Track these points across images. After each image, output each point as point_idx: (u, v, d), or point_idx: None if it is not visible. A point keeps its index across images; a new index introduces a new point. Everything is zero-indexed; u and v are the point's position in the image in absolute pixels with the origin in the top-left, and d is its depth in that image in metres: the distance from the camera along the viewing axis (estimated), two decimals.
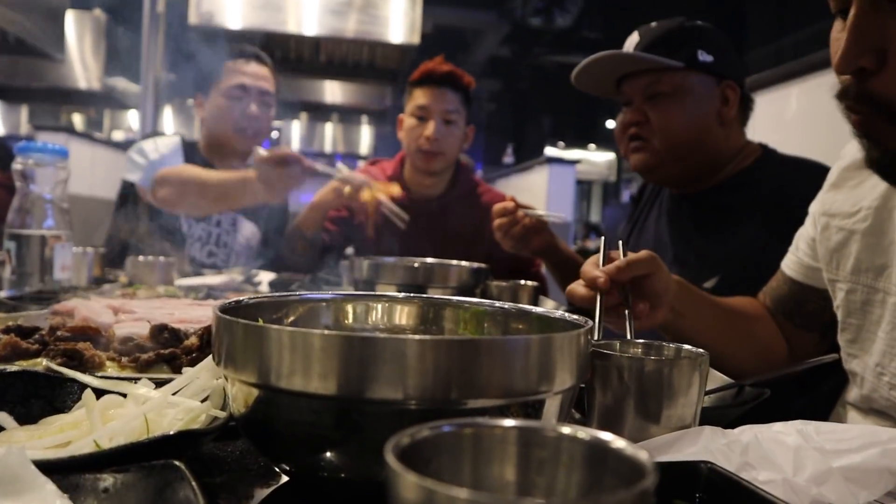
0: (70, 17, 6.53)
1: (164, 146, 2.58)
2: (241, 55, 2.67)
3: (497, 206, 1.96)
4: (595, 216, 13.87)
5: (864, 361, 1.16)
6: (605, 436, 0.37)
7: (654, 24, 1.80)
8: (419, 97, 2.53)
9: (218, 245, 2.58)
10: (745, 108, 1.83)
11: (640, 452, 0.35)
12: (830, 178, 1.27)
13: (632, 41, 1.79)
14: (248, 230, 2.65)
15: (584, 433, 0.38)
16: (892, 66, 0.89)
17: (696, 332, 1.27)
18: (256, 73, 2.65)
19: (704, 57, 1.73)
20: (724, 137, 1.78)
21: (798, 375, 1.36)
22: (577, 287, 1.11)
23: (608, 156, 13.40)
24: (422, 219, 2.55)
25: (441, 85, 2.52)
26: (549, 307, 1.25)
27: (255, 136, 2.64)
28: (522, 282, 1.64)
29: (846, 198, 1.20)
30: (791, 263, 1.38)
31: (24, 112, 8.99)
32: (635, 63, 1.75)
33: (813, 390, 1.51)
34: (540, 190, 6.11)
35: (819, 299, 1.31)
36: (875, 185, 1.15)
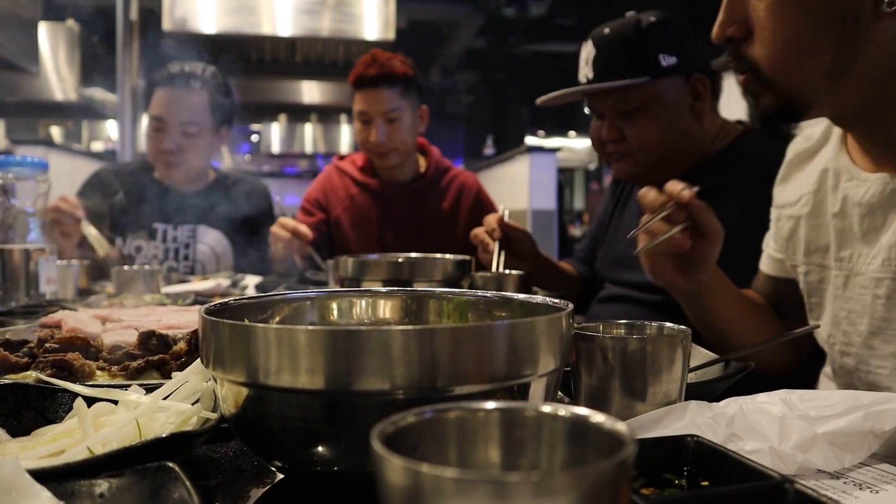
0: (43, 29, 6.47)
1: None
2: (168, 79, 2.55)
3: (489, 217, 1.86)
4: (578, 203, 13.88)
5: (821, 335, 1.23)
6: (584, 412, 0.38)
7: (606, 30, 1.74)
8: (358, 102, 2.52)
9: (177, 259, 2.59)
10: (716, 89, 1.82)
11: (619, 425, 0.36)
12: (780, 174, 1.35)
13: (589, 53, 1.75)
14: (213, 238, 2.64)
15: (564, 411, 0.39)
16: (756, 36, 1.04)
17: (723, 308, 1.32)
18: (179, 102, 2.54)
19: (668, 60, 1.69)
20: (701, 128, 1.77)
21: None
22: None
23: (588, 142, 13.41)
24: (396, 205, 2.61)
25: (375, 86, 2.48)
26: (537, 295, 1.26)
27: (181, 165, 2.59)
28: (508, 272, 1.64)
29: (792, 189, 1.29)
30: (765, 260, 1.43)
31: (0, 127, 8.92)
32: (599, 90, 1.72)
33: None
34: (522, 180, 6.13)
35: (795, 289, 1.34)
36: (811, 173, 1.23)
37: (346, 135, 8.45)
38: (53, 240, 2.05)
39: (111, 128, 9.95)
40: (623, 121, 1.73)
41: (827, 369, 1.26)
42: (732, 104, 2.06)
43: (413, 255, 1.75)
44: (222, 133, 2.69)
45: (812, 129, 1.29)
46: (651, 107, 1.70)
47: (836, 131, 1.20)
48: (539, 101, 1.83)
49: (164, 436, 0.60)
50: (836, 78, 1.00)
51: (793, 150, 1.32)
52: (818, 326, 1.10)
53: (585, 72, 1.76)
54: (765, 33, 1.03)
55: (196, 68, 2.59)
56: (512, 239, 1.84)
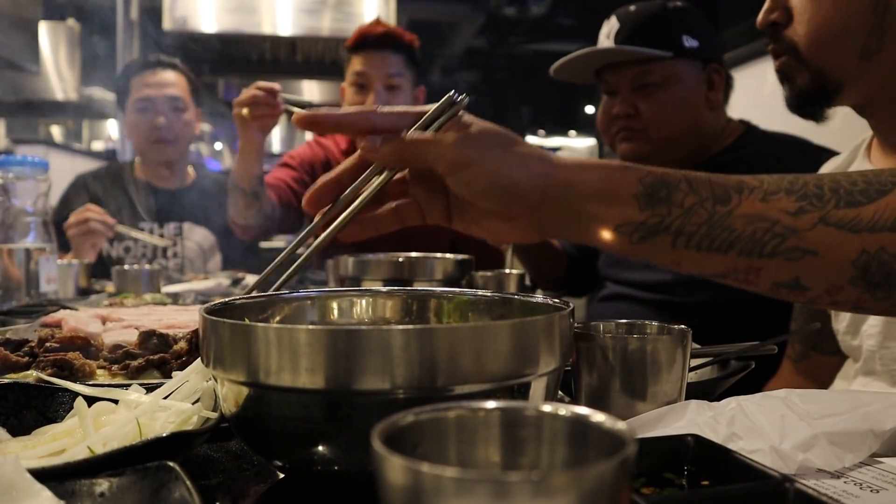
0: (43, 29, 6.46)
1: None
2: (145, 66, 2.67)
3: None
4: None
5: (861, 341, 1.21)
6: (585, 411, 0.38)
7: (632, 7, 1.77)
8: (357, 64, 2.29)
9: (166, 257, 2.60)
10: (727, 87, 1.84)
11: (619, 424, 0.36)
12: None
13: (611, 27, 1.76)
14: (199, 234, 2.67)
15: (564, 410, 0.39)
16: (795, 20, 1.14)
17: None
18: (162, 82, 2.64)
19: (690, 42, 1.71)
20: (713, 118, 1.79)
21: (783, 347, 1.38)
22: None
23: (588, 142, 13.36)
24: None
25: (380, 48, 2.27)
26: (537, 295, 1.26)
27: (173, 142, 2.64)
28: (508, 271, 1.64)
29: None
30: None
31: (1, 126, 8.91)
32: (622, 55, 1.74)
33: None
34: None
35: None
36: None
37: None
38: (79, 251, 2.19)
39: (111, 127, 9.93)
40: (639, 96, 1.74)
41: (853, 369, 1.25)
42: (733, 104, 2.07)
43: (413, 254, 1.75)
44: (198, 113, 2.76)
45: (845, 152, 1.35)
46: (670, 84, 1.72)
47: (863, 145, 1.27)
48: (553, 67, 1.82)
49: (164, 435, 0.60)
50: (866, 59, 1.10)
51: (828, 167, 1.37)
52: (819, 327, 1.10)
53: (606, 45, 1.77)
54: (804, 16, 1.12)
55: (164, 56, 2.71)
56: None
